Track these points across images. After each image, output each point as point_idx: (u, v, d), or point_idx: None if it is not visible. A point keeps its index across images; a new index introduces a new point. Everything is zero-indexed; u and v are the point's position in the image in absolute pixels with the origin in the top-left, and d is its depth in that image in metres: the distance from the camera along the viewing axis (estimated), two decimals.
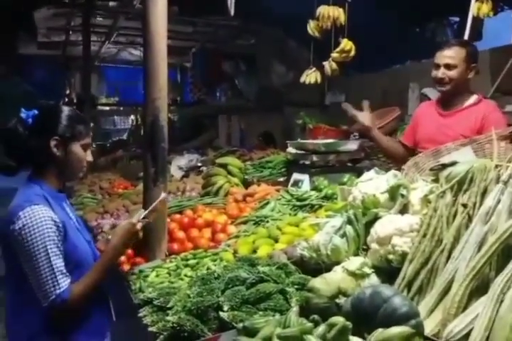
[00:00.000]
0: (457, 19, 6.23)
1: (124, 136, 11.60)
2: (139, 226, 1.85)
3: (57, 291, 1.63)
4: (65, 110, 1.83)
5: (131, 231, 1.83)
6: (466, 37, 3.86)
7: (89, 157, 1.87)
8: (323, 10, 4.13)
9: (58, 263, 1.65)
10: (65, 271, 1.67)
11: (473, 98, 2.78)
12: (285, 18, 5.84)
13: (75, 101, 10.77)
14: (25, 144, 1.76)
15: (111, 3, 7.64)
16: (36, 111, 1.78)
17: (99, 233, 3.17)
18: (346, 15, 4.08)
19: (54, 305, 1.63)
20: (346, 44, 4.18)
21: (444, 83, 2.74)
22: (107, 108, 12.71)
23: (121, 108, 12.73)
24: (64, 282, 1.65)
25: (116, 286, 2.29)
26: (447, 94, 2.80)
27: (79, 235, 1.82)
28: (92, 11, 7.91)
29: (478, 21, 4.22)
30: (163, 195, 2.25)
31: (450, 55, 2.69)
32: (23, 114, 1.77)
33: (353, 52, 4.23)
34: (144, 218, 1.92)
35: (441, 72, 2.71)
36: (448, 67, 2.69)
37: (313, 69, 4.54)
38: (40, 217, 1.65)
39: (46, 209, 1.68)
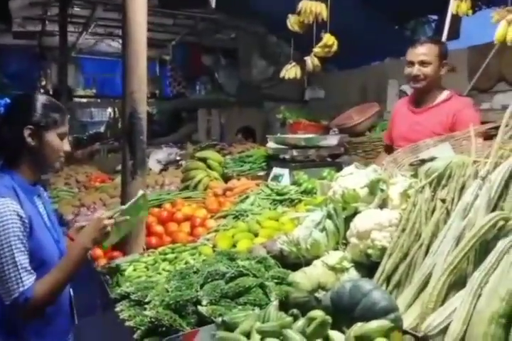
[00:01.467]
0: (436, 17, 6.29)
1: (101, 129, 11.44)
2: (106, 221, 1.76)
3: (21, 289, 1.56)
4: (40, 98, 1.75)
5: (97, 228, 1.75)
6: (444, 35, 3.90)
7: (67, 146, 1.80)
8: (305, 4, 4.12)
9: (22, 259, 1.58)
10: (29, 268, 1.60)
11: (445, 94, 2.80)
12: (266, 12, 5.82)
13: (50, 92, 10.56)
14: None
15: None
16: (8, 100, 1.72)
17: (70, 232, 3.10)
18: (328, 10, 4.08)
19: (17, 304, 1.57)
20: (329, 39, 4.19)
21: (419, 80, 2.75)
22: (84, 100, 12.46)
23: (99, 100, 12.51)
24: (28, 280, 1.58)
25: (92, 281, 2.26)
26: (421, 90, 2.82)
27: (46, 233, 1.73)
28: (69, 0, 7.75)
29: (456, 20, 4.27)
30: (140, 191, 2.15)
31: (424, 51, 2.70)
32: None
33: (335, 48, 4.24)
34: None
35: (416, 69, 2.73)
36: (422, 63, 2.71)
37: (293, 64, 4.54)
38: (5, 210, 1.57)
39: (13, 202, 1.60)
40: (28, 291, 1.58)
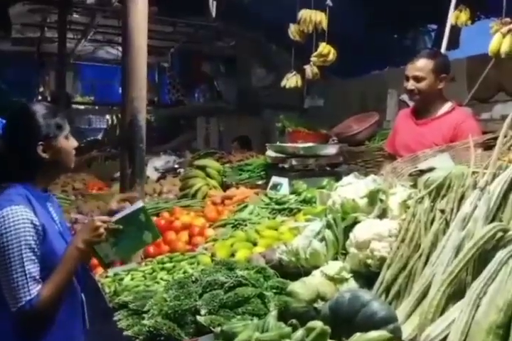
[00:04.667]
0: (435, 27, 6.34)
1: (99, 136, 11.43)
2: (99, 223, 1.71)
3: (27, 298, 1.57)
4: (36, 109, 1.72)
5: (90, 228, 1.72)
6: (443, 45, 3.93)
7: (74, 142, 1.80)
8: (305, 14, 4.16)
9: (31, 268, 1.59)
10: (37, 277, 1.61)
11: (447, 106, 2.81)
12: (266, 21, 5.86)
13: (48, 99, 10.57)
14: (8, 158, 1.68)
15: (88, 1, 7.53)
16: (4, 120, 1.68)
17: (72, 235, 3.11)
18: (327, 20, 4.12)
19: (23, 311, 1.58)
20: (324, 48, 4.22)
21: (413, 94, 2.79)
22: (82, 107, 12.51)
23: (97, 107, 12.55)
24: (35, 289, 1.59)
25: (89, 290, 2.24)
26: (419, 103, 2.85)
27: (59, 239, 1.73)
28: (69, 7, 7.79)
29: (456, 29, 4.32)
30: (139, 203, 2.00)
31: (418, 67, 2.72)
32: None
33: (331, 57, 4.27)
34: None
35: (410, 84, 2.75)
36: (416, 79, 2.72)
37: (294, 73, 4.57)
38: (18, 218, 1.58)
39: (27, 210, 1.61)
40: (33, 299, 1.58)
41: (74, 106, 11.74)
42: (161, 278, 2.09)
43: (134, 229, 1.89)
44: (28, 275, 1.58)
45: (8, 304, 1.59)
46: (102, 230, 1.72)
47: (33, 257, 1.60)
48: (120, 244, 1.85)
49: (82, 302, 1.85)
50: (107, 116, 12.26)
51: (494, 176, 1.63)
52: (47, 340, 1.68)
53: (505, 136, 1.77)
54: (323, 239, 1.80)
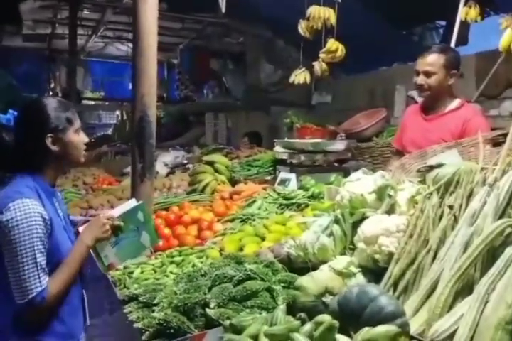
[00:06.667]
0: (443, 23, 6.29)
1: (109, 131, 11.49)
2: (105, 220, 1.77)
3: (39, 289, 1.59)
4: (47, 102, 1.76)
5: (97, 225, 1.77)
6: (452, 41, 3.91)
7: (84, 138, 1.84)
8: (313, 10, 4.14)
9: (42, 260, 1.61)
10: (46, 268, 1.63)
11: (456, 102, 2.80)
12: (275, 17, 5.85)
13: (59, 94, 10.64)
14: (17, 150, 1.72)
15: None
16: (16, 112, 1.71)
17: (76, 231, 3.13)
18: (336, 16, 4.10)
19: (33, 303, 1.59)
20: (332, 44, 4.20)
21: (423, 90, 2.76)
22: (92, 102, 12.54)
23: (107, 103, 12.59)
24: (45, 280, 1.61)
25: (99, 282, 2.27)
26: (428, 99, 2.83)
27: (64, 234, 1.76)
28: (79, 4, 7.82)
29: (465, 26, 4.28)
30: (133, 200, 2.02)
31: (429, 62, 2.70)
32: (3, 120, 1.68)
33: (339, 53, 4.25)
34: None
35: (420, 79, 2.73)
36: (427, 74, 2.70)
37: (303, 69, 4.55)
38: (30, 211, 1.60)
39: (36, 203, 1.63)
40: (44, 291, 1.60)
41: (84, 101, 11.78)
42: (171, 272, 2.11)
43: (132, 228, 1.90)
44: (39, 267, 1.60)
45: (9, 298, 1.60)
46: (107, 227, 1.78)
47: (43, 250, 1.62)
48: (120, 244, 1.87)
49: (83, 298, 1.87)
50: (117, 112, 12.30)
51: (503, 172, 1.63)
52: (48, 335, 1.69)
53: None
54: (331, 234, 1.81)
